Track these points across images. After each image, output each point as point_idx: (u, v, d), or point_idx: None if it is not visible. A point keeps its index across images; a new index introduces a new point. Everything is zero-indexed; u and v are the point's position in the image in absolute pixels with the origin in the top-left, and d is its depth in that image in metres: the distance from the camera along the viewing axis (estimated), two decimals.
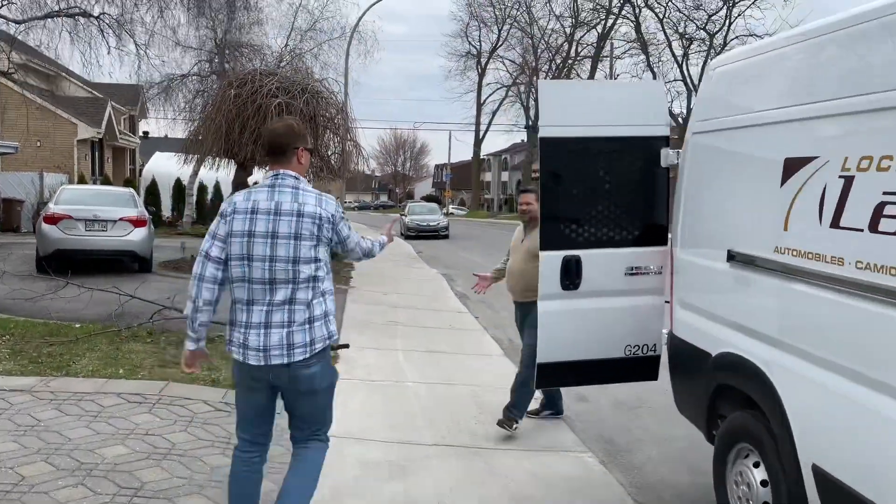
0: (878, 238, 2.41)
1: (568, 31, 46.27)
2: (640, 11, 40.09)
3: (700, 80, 37.09)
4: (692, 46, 39.18)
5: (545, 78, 43.30)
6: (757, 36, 33.25)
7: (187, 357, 3.00)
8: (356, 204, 78.86)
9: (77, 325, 7.09)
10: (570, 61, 46.58)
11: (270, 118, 11.16)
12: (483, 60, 51.94)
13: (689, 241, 3.83)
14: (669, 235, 4.14)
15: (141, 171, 28.81)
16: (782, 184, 2.93)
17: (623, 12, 41.39)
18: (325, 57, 26.11)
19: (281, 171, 2.91)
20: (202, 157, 13.81)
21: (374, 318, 8.94)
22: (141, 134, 34.98)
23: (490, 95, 52.80)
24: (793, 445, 2.80)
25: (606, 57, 43.26)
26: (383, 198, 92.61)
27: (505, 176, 68.95)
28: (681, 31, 38.73)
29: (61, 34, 17.63)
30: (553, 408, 5.26)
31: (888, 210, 2.37)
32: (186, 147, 14.31)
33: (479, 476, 4.16)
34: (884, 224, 2.39)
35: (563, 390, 5.28)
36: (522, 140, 56.29)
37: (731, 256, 3.30)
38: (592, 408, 5.64)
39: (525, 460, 4.44)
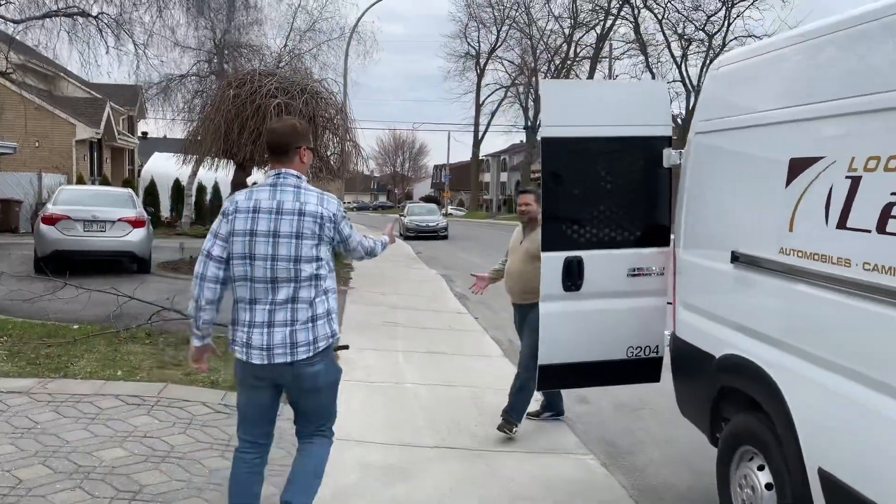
0: (886, 239, 2.38)
1: (567, 31, 46.35)
2: (638, 12, 40.16)
3: (699, 81, 37.35)
4: (691, 47, 39.26)
5: (544, 79, 43.32)
6: (755, 37, 33.30)
7: (194, 353, 3.03)
8: (355, 204, 78.80)
9: (75, 327, 7.06)
10: (568, 62, 46.61)
11: (269, 119, 11.14)
12: (482, 61, 52.00)
13: (692, 241, 3.81)
14: (672, 236, 4.11)
15: (140, 171, 28.76)
16: (787, 184, 2.90)
17: (622, 13, 41.45)
18: (325, 57, 26.11)
19: (283, 170, 2.92)
20: (201, 157, 13.78)
21: (373, 319, 8.91)
22: (140, 134, 34.92)
23: (489, 96, 52.92)
24: (798, 449, 2.77)
25: (605, 58, 43.30)
26: (382, 198, 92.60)
27: (504, 176, 68.95)
28: (679, 31, 38.78)
29: (59, 34, 17.62)
30: (554, 409, 5.23)
31: None
32: (185, 147, 14.28)
33: (481, 478, 4.13)
34: (892, 225, 2.36)
35: (564, 392, 5.25)
36: (521, 141, 56.34)
37: (735, 257, 3.27)
38: (594, 409, 5.61)
39: (526, 462, 4.41)
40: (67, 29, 17.39)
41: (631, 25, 40.94)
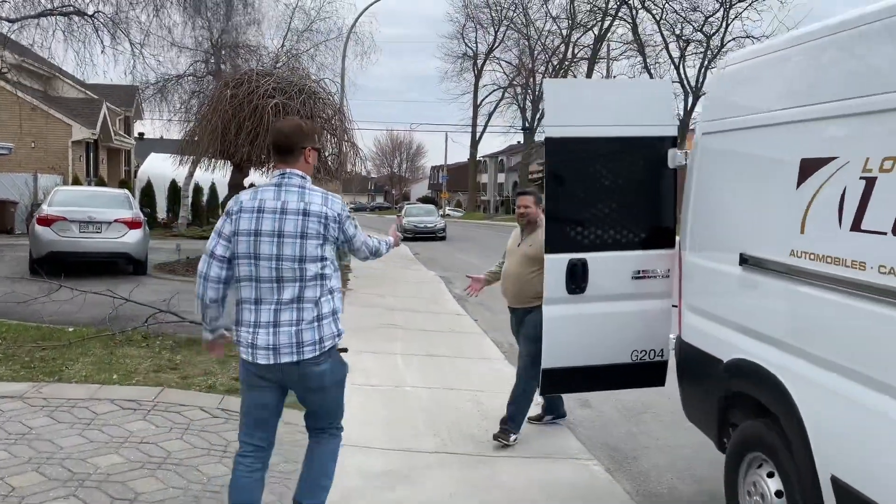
0: None
1: (564, 32, 46.28)
2: (636, 13, 40.13)
3: (697, 82, 37.38)
4: (689, 48, 39.22)
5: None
6: (754, 38, 33.30)
7: (207, 344, 3.11)
8: (352, 205, 78.75)
9: (70, 329, 6.98)
10: (566, 63, 46.56)
11: (267, 119, 11.09)
12: (479, 62, 51.93)
13: (699, 243, 3.74)
14: (677, 238, 4.05)
15: (136, 172, 28.64)
16: (798, 185, 2.84)
17: (620, 14, 41.41)
18: (322, 58, 26.11)
19: (287, 170, 2.94)
20: (198, 158, 13.71)
21: (372, 321, 8.83)
22: (136, 135, 34.79)
23: (486, 97, 52.81)
24: (810, 456, 2.71)
25: (603, 59, 43.22)
26: (379, 199, 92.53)
27: (501, 177, 68.93)
28: (677, 32, 38.75)
29: (55, 33, 17.50)
30: (555, 412, 5.15)
31: None
32: (182, 148, 14.22)
33: (482, 483, 4.07)
34: None
35: (566, 395, 5.18)
36: (519, 141, 56.27)
37: (744, 260, 3.21)
38: (596, 413, 5.55)
39: (528, 467, 4.35)
40: (63, 28, 17.31)
41: (629, 26, 40.93)
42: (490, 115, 52.85)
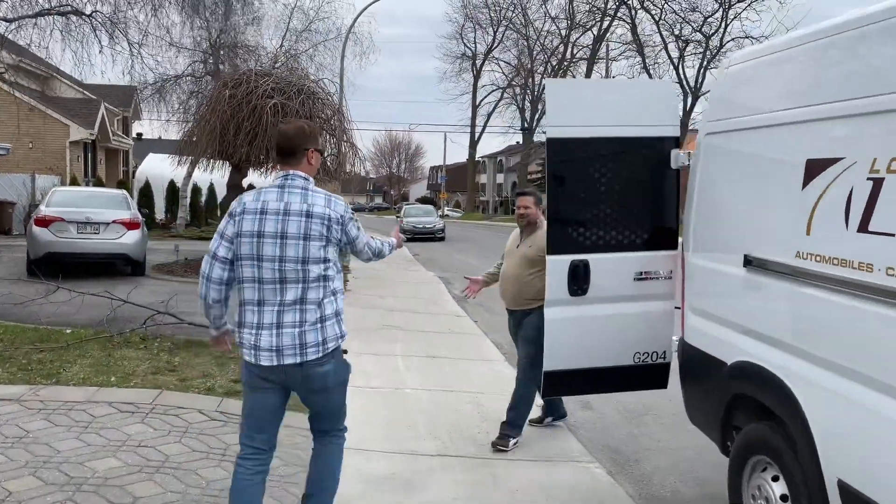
0: None
1: (563, 32, 46.25)
2: (635, 13, 40.05)
3: (696, 83, 37.30)
4: (688, 48, 39.16)
5: (541, 79, 43.29)
6: (753, 38, 33.22)
7: (213, 340, 3.16)
8: (351, 206, 78.37)
9: (68, 331, 6.94)
10: (565, 63, 46.53)
11: (266, 119, 11.06)
12: (478, 62, 51.90)
13: (702, 245, 3.71)
14: (680, 239, 4.02)
15: (134, 172, 28.58)
16: (804, 186, 2.81)
17: (619, 14, 41.36)
18: (321, 58, 26.07)
19: (290, 171, 2.94)
20: (196, 158, 13.66)
21: (371, 323, 8.80)
22: (134, 135, 34.71)
23: (485, 97, 52.78)
24: (816, 460, 2.68)
25: (602, 59, 43.22)
26: (378, 200, 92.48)
27: (500, 178, 68.92)
28: (676, 33, 38.69)
29: (52, 33, 17.43)
30: (555, 412, 5.11)
31: None
32: (180, 148, 14.19)
33: (484, 486, 4.03)
34: None
35: (567, 397, 5.14)
36: (518, 142, 56.20)
37: (748, 261, 3.18)
38: (597, 416, 5.52)
39: (530, 470, 4.31)
40: (60, 28, 17.21)
41: (628, 26, 40.85)
42: (489, 115, 52.88)
